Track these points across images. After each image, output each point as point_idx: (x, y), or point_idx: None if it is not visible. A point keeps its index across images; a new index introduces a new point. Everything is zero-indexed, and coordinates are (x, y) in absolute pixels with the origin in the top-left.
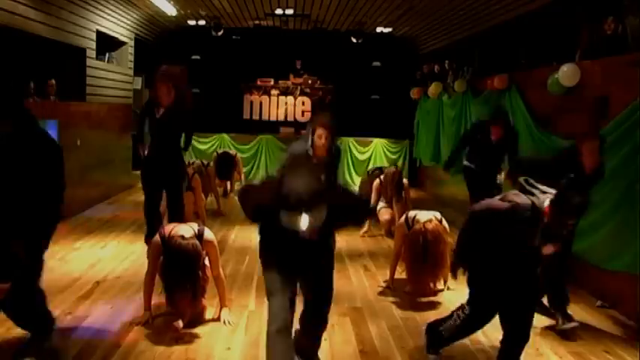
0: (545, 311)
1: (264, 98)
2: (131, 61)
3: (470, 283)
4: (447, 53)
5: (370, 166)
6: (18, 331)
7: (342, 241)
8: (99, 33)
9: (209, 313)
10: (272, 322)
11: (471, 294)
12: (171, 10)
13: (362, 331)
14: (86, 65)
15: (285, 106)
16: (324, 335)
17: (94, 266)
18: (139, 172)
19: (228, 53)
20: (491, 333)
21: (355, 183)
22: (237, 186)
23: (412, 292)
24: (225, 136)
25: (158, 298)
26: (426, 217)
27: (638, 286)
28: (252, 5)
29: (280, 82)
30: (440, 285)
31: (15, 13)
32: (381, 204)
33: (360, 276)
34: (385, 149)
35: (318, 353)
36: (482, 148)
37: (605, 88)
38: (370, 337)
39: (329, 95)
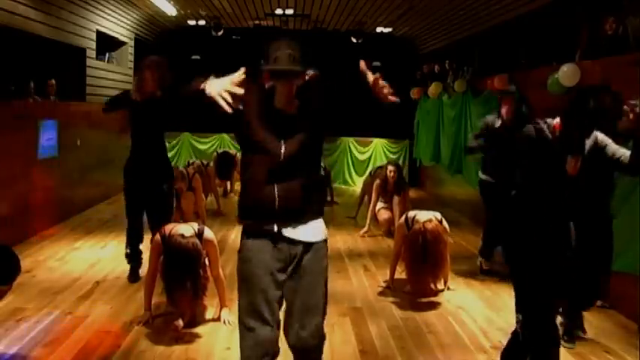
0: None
1: None
2: (131, 61)
3: (509, 261)
4: (447, 53)
5: (370, 166)
6: (16, 333)
7: (342, 241)
8: (99, 33)
9: (209, 313)
10: None
11: (515, 284)
12: (171, 10)
13: (362, 331)
14: (86, 65)
15: None
16: None
17: (94, 266)
18: None
19: (228, 53)
20: (493, 334)
21: (355, 183)
22: (237, 186)
23: (412, 293)
24: (225, 136)
25: (158, 298)
26: (425, 217)
27: (639, 286)
28: (252, 5)
29: None
30: (440, 285)
31: (15, 13)
32: (380, 204)
33: (360, 276)
34: (385, 149)
35: None
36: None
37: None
38: (370, 337)
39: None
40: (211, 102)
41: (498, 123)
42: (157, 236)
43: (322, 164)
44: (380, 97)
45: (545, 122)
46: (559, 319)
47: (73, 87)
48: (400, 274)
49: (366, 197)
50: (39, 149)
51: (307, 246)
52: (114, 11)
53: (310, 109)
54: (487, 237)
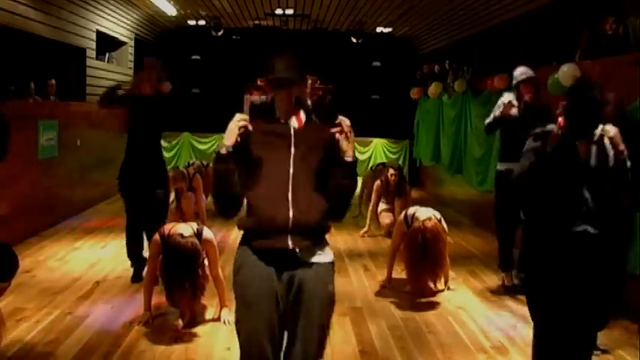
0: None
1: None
2: (131, 61)
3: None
4: (447, 53)
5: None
6: (16, 333)
7: (342, 241)
8: (99, 33)
9: (209, 313)
10: None
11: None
12: (171, 10)
13: (362, 331)
14: (86, 65)
15: None
16: None
17: (94, 266)
18: None
19: (228, 53)
20: (493, 334)
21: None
22: None
23: (412, 292)
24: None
25: (158, 298)
26: (425, 214)
27: (638, 288)
28: (252, 5)
29: None
30: (440, 285)
31: (15, 13)
32: (382, 205)
33: (360, 276)
34: (385, 149)
35: None
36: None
37: (605, 88)
38: (370, 337)
39: (329, 95)
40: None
41: (515, 110)
42: (157, 236)
43: None
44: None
45: (543, 130)
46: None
47: (73, 87)
48: (400, 273)
49: (365, 192)
50: (39, 149)
51: (315, 266)
52: (114, 11)
53: (315, 133)
54: (503, 243)
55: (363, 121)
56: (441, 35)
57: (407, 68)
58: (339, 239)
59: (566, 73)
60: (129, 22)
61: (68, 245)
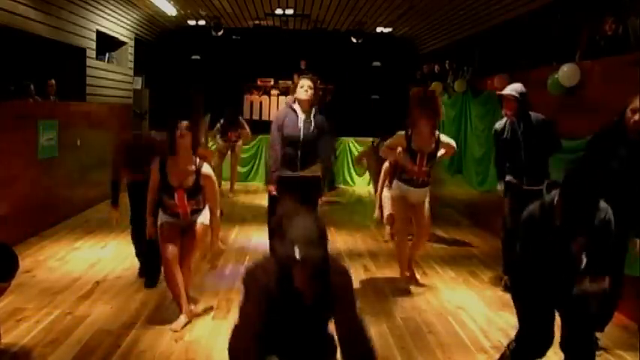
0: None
1: (264, 98)
2: (131, 61)
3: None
4: (447, 53)
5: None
6: (16, 333)
7: (342, 241)
8: (99, 33)
9: (209, 313)
10: None
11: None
12: (171, 10)
13: None
14: (86, 65)
15: None
16: None
17: (94, 266)
18: None
19: (228, 53)
20: (493, 334)
21: (355, 183)
22: (237, 186)
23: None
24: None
25: (158, 298)
26: None
27: (639, 286)
28: (252, 5)
29: (280, 82)
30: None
31: (15, 13)
32: (386, 192)
33: (360, 276)
34: None
35: None
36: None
37: (605, 88)
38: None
39: (329, 95)
40: None
41: (502, 123)
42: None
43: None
44: None
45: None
46: None
47: (72, 87)
48: (395, 272)
49: (368, 173)
50: (39, 149)
51: None
52: (114, 11)
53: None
54: (506, 248)
55: (363, 121)
56: (441, 35)
57: (407, 68)
58: (339, 239)
59: (566, 73)
60: (129, 22)
61: (68, 245)
